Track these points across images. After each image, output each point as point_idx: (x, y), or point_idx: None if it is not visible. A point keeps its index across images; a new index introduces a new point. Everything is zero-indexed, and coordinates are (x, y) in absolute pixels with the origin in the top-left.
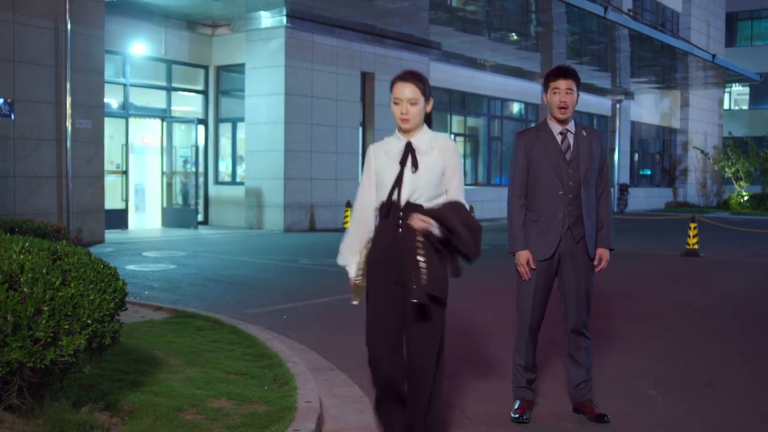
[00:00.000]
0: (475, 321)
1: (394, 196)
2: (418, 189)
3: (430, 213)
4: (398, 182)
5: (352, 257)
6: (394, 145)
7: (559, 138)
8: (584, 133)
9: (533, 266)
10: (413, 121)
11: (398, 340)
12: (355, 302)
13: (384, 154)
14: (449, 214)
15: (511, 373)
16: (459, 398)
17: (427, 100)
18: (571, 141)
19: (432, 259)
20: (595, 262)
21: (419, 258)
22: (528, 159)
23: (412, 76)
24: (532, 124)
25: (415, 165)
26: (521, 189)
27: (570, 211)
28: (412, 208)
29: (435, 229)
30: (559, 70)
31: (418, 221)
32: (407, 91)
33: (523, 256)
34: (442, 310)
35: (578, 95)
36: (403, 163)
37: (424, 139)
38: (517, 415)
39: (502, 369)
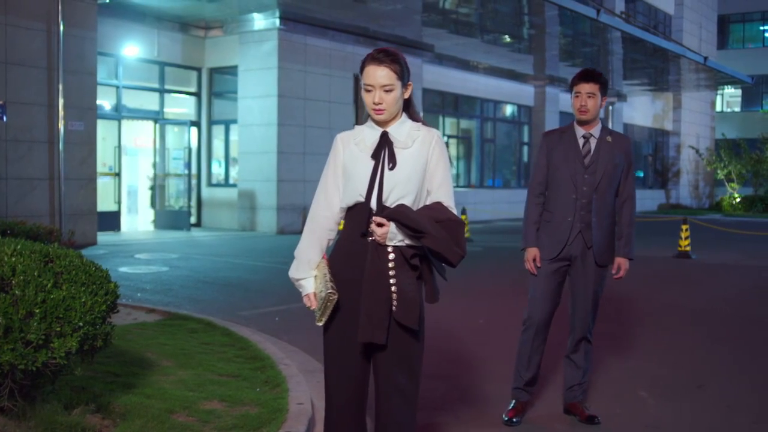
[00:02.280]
0: (468, 323)
1: (364, 197)
2: (395, 189)
3: (386, 214)
4: (371, 180)
5: (309, 269)
6: (367, 135)
7: (581, 142)
8: (609, 139)
9: (539, 264)
10: (389, 112)
11: (363, 391)
12: (320, 323)
13: (354, 146)
14: (407, 211)
15: (506, 373)
16: (450, 400)
17: (405, 85)
18: (593, 146)
19: (403, 279)
20: (613, 271)
21: (390, 280)
22: (548, 160)
23: (386, 57)
24: (525, 127)
25: (392, 160)
26: (539, 188)
27: (581, 216)
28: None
29: (398, 234)
30: (582, 73)
31: (376, 227)
32: (380, 75)
33: (531, 252)
34: (420, 346)
35: (604, 99)
36: (376, 156)
37: (403, 129)
38: (507, 417)
39: (494, 371)
